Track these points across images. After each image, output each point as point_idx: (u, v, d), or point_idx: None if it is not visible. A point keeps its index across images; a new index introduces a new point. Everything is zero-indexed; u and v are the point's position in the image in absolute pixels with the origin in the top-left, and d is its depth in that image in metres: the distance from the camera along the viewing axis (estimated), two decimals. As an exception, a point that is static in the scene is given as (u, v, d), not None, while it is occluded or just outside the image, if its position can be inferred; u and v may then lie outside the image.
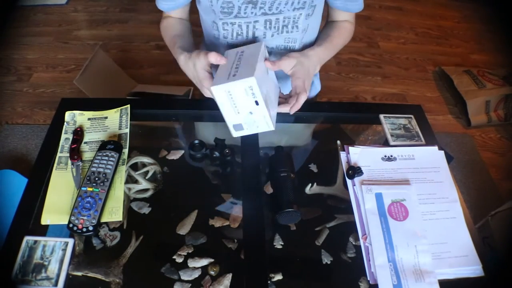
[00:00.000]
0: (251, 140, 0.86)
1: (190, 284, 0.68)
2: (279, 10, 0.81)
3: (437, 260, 0.70)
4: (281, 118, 0.95)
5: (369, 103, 2.15)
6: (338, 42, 0.92)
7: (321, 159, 0.93)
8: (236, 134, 0.78)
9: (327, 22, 0.97)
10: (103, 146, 0.79)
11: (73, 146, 0.80)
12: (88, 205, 0.70)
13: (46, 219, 0.71)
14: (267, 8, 0.81)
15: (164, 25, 0.94)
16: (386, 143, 0.89)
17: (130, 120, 0.87)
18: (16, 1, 2.60)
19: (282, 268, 0.71)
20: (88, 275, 0.67)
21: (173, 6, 0.90)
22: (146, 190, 0.79)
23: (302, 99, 0.76)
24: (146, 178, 0.80)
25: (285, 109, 0.78)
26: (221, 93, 0.70)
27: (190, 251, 0.72)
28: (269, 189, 0.82)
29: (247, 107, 0.72)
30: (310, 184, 0.82)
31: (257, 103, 0.71)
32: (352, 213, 0.76)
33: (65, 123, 0.86)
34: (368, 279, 0.69)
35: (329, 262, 0.73)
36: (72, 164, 0.78)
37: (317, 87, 1.10)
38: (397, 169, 0.82)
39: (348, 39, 0.96)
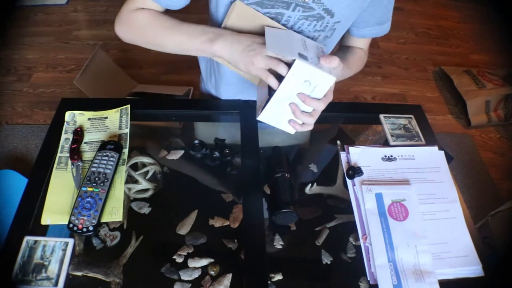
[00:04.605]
0: (251, 140, 0.86)
1: (190, 284, 0.68)
2: (300, 29, 0.81)
3: (437, 260, 0.70)
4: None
5: (369, 103, 2.15)
6: (353, 68, 0.90)
7: (321, 159, 0.93)
8: (299, 60, 0.65)
9: (342, 46, 0.95)
10: (103, 146, 0.79)
11: (73, 146, 0.80)
12: (88, 205, 0.70)
13: (46, 219, 0.71)
14: (289, 26, 0.80)
15: (140, 17, 0.78)
16: (386, 143, 0.89)
17: (130, 120, 0.87)
18: (16, 1, 2.60)
19: (282, 268, 0.71)
20: (88, 275, 0.67)
21: (183, 3, 0.78)
22: (146, 190, 0.79)
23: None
24: (146, 178, 0.80)
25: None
26: (296, 36, 0.73)
27: (190, 251, 0.72)
28: (268, 189, 0.82)
29: (315, 52, 0.71)
30: (310, 184, 0.82)
31: None
32: (352, 213, 0.76)
33: (65, 123, 0.86)
34: (368, 279, 0.69)
35: (329, 262, 0.73)
36: (72, 164, 0.78)
37: None
38: (397, 169, 0.82)
39: (360, 68, 0.94)
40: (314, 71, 0.65)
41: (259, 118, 0.73)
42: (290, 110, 0.71)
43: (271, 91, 0.70)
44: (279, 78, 0.68)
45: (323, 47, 0.76)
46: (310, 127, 0.74)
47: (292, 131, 0.75)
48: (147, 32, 0.78)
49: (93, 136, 0.84)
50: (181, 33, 0.76)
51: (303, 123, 0.73)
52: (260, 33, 0.74)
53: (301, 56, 0.66)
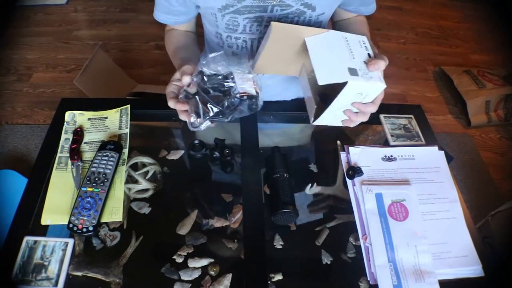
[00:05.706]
0: (251, 140, 0.86)
1: (190, 284, 0.68)
2: None
3: (437, 260, 0.70)
4: (281, 118, 0.96)
5: (369, 103, 2.15)
6: (366, 32, 0.88)
7: (321, 159, 0.93)
8: (351, 80, 0.65)
9: (338, 22, 0.93)
10: (103, 146, 0.79)
11: (73, 146, 0.80)
12: (88, 205, 0.70)
13: (46, 219, 0.71)
14: None
15: (166, 38, 0.91)
16: (386, 143, 0.89)
17: (130, 120, 0.87)
18: (16, 1, 2.60)
19: (282, 268, 0.71)
20: (88, 275, 0.67)
21: (174, 21, 0.87)
22: (146, 190, 0.79)
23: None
24: (146, 178, 0.80)
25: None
26: (338, 37, 0.71)
27: (190, 251, 0.72)
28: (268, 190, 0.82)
29: (361, 55, 0.70)
30: (310, 184, 0.82)
31: (369, 55, 0.71)
32: (352, 213, 0.76)
33: (65, 123, 0.86)
34: (368, 279, 0.69)
35: (329, 262, 0.73)
36: (72, 164, 0.78)
37: None
38: (397, 169, 0.82)
39: (368, 30, 0.92)
40: (366, 84, 0.67)
41: (314, 123, 0.75)
42: (342, 112, 0.73)
43: (322, 97, 0.74)
44: None
45: (363, 40, 0.74)
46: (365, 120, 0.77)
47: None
48: (167, 49, 0.91)
49: (93, 136, 0.84)
50: (174, 56, 0.86)
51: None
52: (300, 46, 0.72)
53: (351, 71, 0.66)
